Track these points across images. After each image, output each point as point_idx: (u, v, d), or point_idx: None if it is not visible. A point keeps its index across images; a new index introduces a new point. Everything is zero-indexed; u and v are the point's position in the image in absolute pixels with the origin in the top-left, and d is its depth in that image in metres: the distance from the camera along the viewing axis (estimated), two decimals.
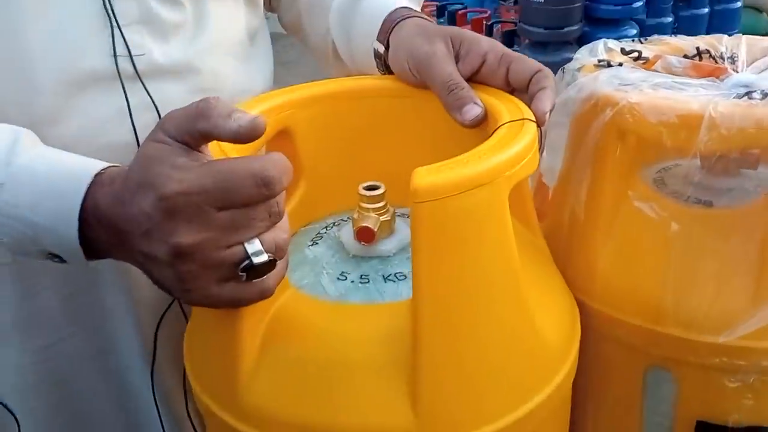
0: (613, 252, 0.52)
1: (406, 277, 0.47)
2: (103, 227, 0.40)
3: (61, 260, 0.43)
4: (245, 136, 0.36)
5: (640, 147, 0.52)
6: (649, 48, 0.61)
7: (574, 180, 0.55)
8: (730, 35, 0.60)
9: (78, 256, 0.42)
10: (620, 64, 0.54)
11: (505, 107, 0.46)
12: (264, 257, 0.36)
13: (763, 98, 0.44)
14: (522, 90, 0.50)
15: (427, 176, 0.37)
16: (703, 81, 0.52)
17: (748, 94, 0.46)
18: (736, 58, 0.57)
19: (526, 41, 1.93)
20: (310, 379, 0.41)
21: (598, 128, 0.50)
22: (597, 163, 0.52)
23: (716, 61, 0.58)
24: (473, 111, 0.47)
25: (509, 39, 1.98)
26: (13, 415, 0.60)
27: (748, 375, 0.48)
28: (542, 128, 0.48)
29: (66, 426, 0.62)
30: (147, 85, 0.52)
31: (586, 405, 0.54)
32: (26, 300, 0.57)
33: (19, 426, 0.60)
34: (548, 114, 0.47)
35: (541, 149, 0.52)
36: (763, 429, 0.50)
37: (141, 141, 0.52)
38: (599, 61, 0.57)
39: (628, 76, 0.51)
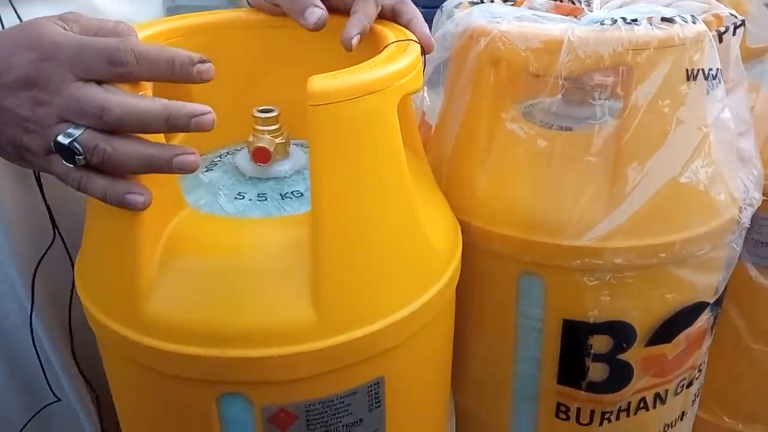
0: (489, 172, 0.57)
1: (302, 194, 0.49)
2: None
3: None
4: None
5: (511, 77, 0.57)
6: None
7: (454, 110, 0.60)
8: None
9: None
10: (491, 1, 0.59)
11: (391, 32, 0.49)
12: (65, 140, 0.38)
13: (612, 24, 0.50)
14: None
15: (322, 81, 0.40)
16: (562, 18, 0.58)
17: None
18: (591, 1, 0.64)
19: None
20: (213, 287, 0.43)
21: (473, 58, 0.55)
22: (474, 91, 0.57)
23: (575, 3, 0.65)
24: (315, 13, 0.49)
25: None
26: None
27: (605, 273, 0.54)
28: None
29: None
30: (18, 10, 0.51)
31: (469, 315, 0.60)
32: None
33: None
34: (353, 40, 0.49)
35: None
36: (618, 323, 0.57)
37: None
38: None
39: (499, 10, 0.56)
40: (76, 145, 0.38)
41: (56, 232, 0.56)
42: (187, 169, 0.39)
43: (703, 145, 0.54)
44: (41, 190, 0.53)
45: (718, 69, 0.54)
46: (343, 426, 0.45)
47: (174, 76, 0.40)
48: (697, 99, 0.53)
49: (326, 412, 0.45)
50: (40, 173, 0.52)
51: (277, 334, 0.42)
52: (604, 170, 0.54)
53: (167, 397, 0.45)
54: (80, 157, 0.38)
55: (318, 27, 0.49)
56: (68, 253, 0.56)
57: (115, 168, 0.39)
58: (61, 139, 0.38)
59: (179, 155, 0.39)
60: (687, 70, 0.52)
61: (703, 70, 0.53)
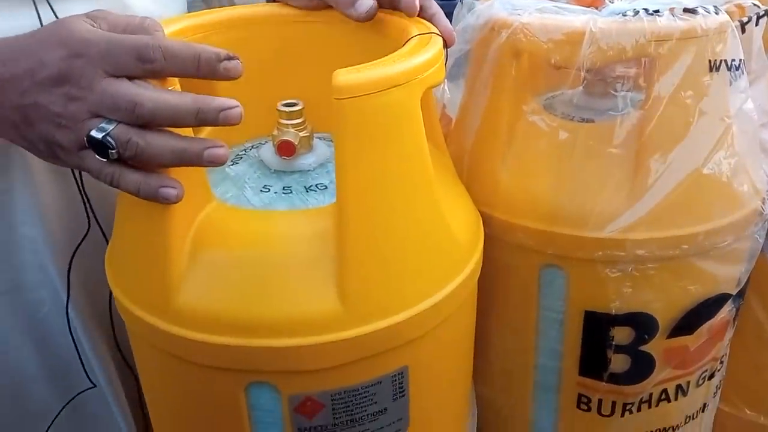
0: (510, 164, 0.57)
1: (327, 187, 0.50)
2: None
3: None
4: None
5: (532, 69, 0.58)
6: None
7: (475, 103, 0.60)
8: None
9: None
10: None
11: (414, 25, 0.50)
12: (99, 135, 0.39)
13: (635, 15, 0.50)
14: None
15: (347, 74, 0.40)
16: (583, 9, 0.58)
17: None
18: None
19: None
20: (241, 278, 0.44)
21: (495, 50, 0.55)
22: (495, 83, 0.57)
23: None
24: (366, 3, 0.50)
25: None
26: None
27: (627, 265, 0.55)
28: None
29: None
30: (54, 6, 0.52)
31: (491, 306, 0.60)
32: None
33: None
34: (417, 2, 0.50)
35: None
36: (640, 314, 0.57)
37: None
38: None
39: (520, 2, 0.56)
40: (110, 140, 0.39)
41: (90, 222, 0.58)
42: (217, 162, 0.40)
43: (726, 137, 0.54)
44: (80, 182, 0.54)
45: (741, 60, 0.54)
46: (368, 415, 0.46)
47: (200, 72, 0.41)
48: (719, 90, 0.53)
49: (352, 401, 0.45)
50: None
51: (304, 324, 0.43)
52: (626, 162, 0.54)
53: (196, 386, 0.46)
54: (113, 151, 0.39)
55: (369, 17, 0.50)
56: (106, 241, 0.58)
57: (147, 162, 0.40)
58: (94, 133, 0.39)
59: (209, 148, 0.40)
60: (710, 61, 0.52)
61: (725, 60, 0.53)
